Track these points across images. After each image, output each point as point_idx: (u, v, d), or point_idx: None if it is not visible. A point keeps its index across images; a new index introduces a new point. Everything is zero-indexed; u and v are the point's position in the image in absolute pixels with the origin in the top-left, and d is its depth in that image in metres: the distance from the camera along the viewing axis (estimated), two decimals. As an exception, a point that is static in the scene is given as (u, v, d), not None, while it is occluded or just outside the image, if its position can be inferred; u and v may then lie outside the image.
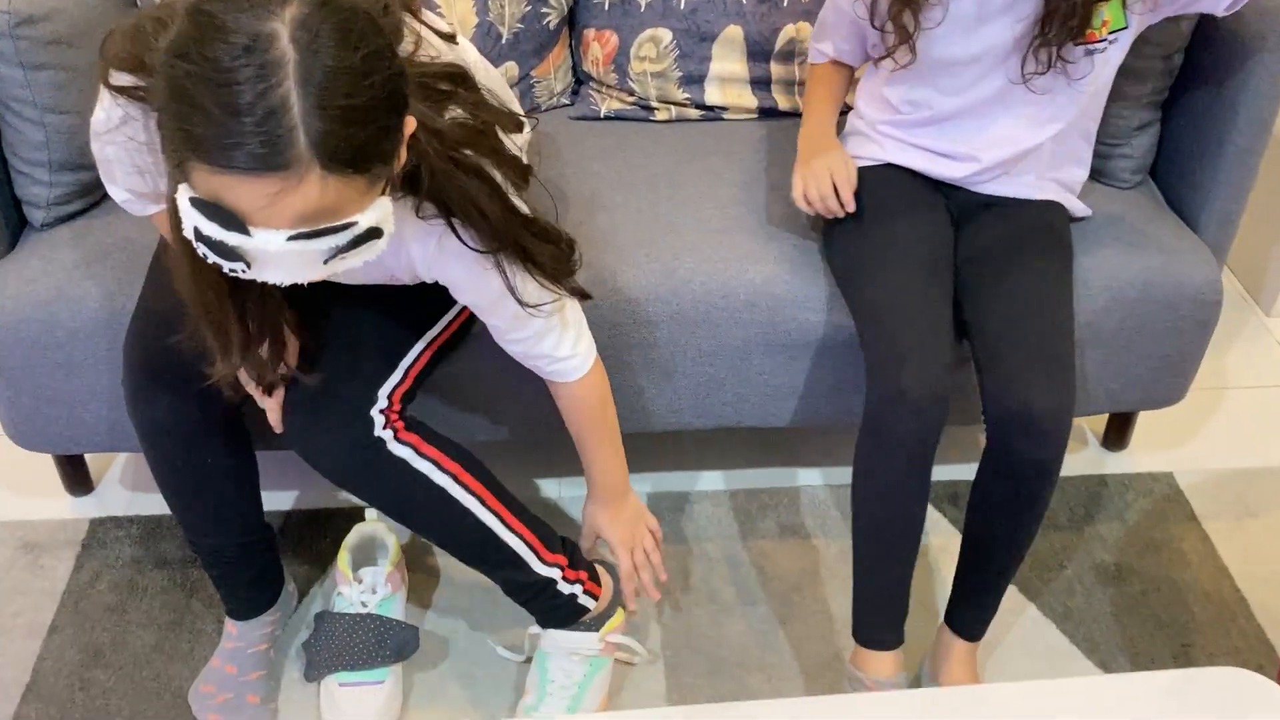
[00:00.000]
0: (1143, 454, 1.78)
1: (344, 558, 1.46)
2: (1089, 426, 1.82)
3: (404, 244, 1.09)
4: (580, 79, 1.74)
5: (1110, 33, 1.31)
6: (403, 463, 1.21)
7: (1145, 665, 1.48)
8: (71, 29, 1.37)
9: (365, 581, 1.43)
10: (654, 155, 1.62)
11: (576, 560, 1.36)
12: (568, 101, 1.74)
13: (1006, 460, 1.25)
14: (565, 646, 1.37)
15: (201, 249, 0.87)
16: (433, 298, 1.24)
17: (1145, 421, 1.77)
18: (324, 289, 1.22)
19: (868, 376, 1.28)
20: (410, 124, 0.90)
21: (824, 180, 1.37)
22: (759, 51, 1.66)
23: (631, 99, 1.70)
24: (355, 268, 0.92)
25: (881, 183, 1.43)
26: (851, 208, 1.37)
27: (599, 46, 1.67)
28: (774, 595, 1.55)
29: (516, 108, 1.32)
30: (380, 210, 0.89)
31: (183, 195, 0.85)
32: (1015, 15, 1.29)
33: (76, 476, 1.65)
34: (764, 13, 1.64)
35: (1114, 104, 1.47)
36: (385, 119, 0.86)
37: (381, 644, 1.40)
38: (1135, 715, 0.95)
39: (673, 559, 1.59)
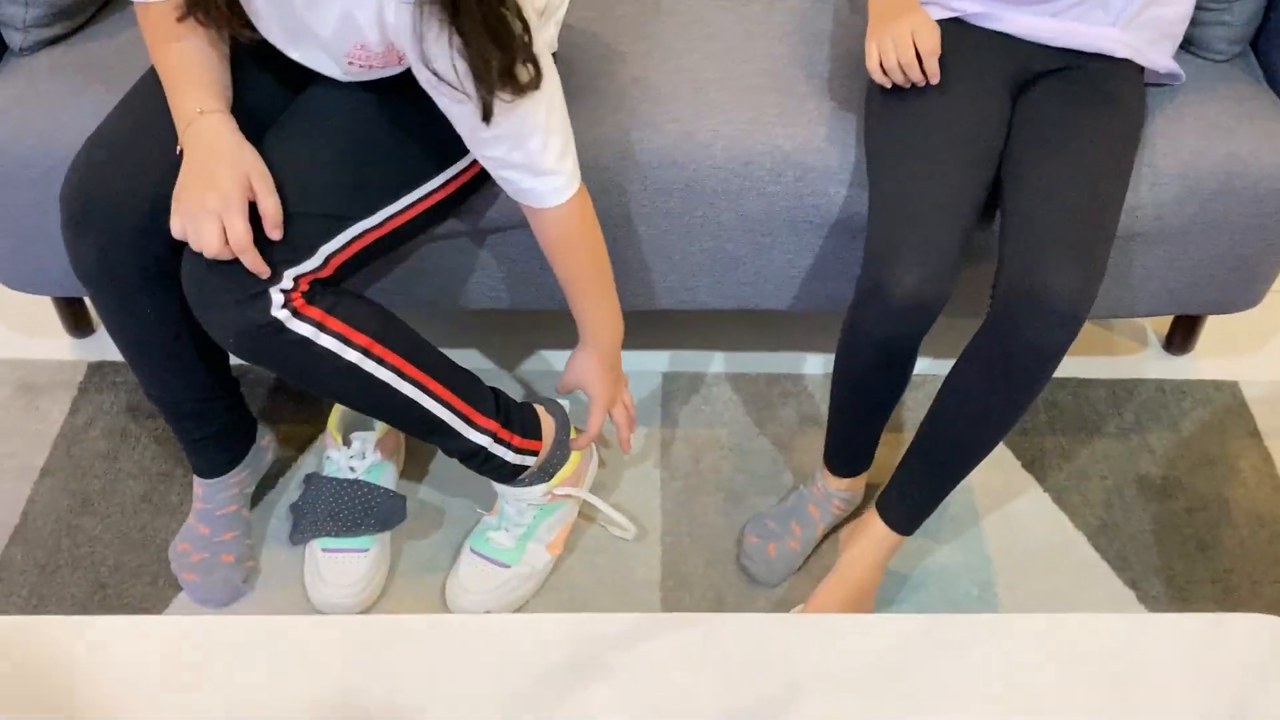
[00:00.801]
0: (1207, 360, 1.63)
1: (334, 420, 1.40)
2: (1151, 327, 1.67)
3: None
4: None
5: None
6: (304, 340, 1.10)
7: (1179, 589, 1.37)
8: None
9: (355, 446, 1.37)
10: (680, 9, 1.46)
11: (510, 418, 1.28)
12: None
13: (1004, 340, 1.13)
14: (514, 497, 1.34)
15: None
16: (411, 158, 1.14)
17: (1213, 325, 1.62)
18: (299, 120, 1.14)
19: (861, 266, 1.17)
20: None
21: (906, 46, 1.20)
22: (812, -116, 1.47)
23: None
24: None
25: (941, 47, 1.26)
26: (936, 78, 1.22)
27: (633, -127, 1.49)
28: (787, 487, 1.46)
29: None
30: None
31: None
32: None
33: (76, 318, 1.60)
34: None
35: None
36: None
37: (367, 512, 1.35)
38: (1150, 660, 0.85)
39: (684, 443, 1.50)
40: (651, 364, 1.60)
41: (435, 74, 1.00)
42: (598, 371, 1.29)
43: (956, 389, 1.19)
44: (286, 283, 1.08)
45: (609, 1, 1.45)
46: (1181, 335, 1.61)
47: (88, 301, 1.61)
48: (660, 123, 1.30)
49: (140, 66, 1.22)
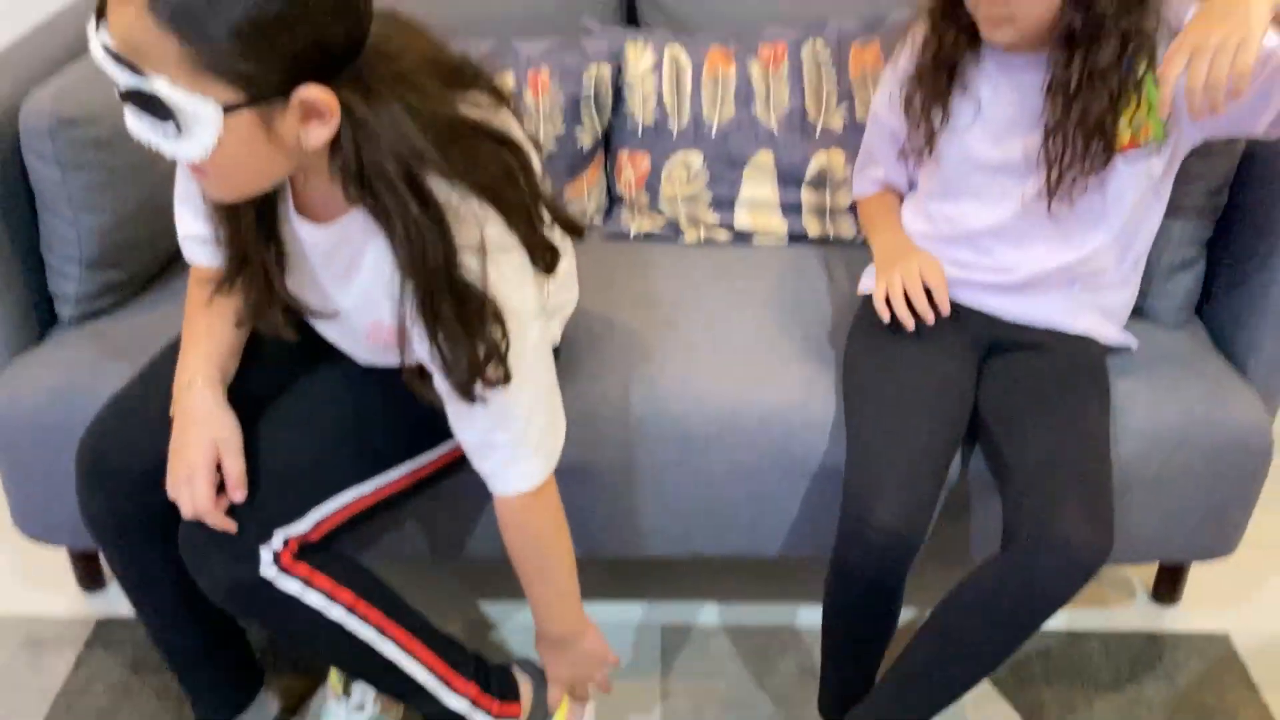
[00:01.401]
0: (1197, 611, 1.66)
1: (335, 670, 1.41)
2: (1138, 577, 1.71)
3: (364, 249, 1.06)
4: (613, 200, 1.76)
5: (1147, 142, 1.28)
6: (290, 599, 1.14)
7: (1192, 847, 1.34)
8: (112, 132, 1.42)
9: (354, 697, 1.38)
10: (679, 275, 1.61)
11: (489, 682, 1.30)
12: (600, 222, 1.75)
13: (1013, 583, 1.17)
14: None
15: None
16: (408, 430, 1.22)
17: (1199, 576, 1.66)
18: (305, 382, 1.23)
19: (841, 506, 1.25)
20: (322, 103, 0.90)
21: (915, 281, 1.33)
22: (790, 178, 1.66)
23: (662, 220, 1.70)
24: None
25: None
26: (946, 310, 1.34)
27: (632, 169, 1.68)
28: (787, 741, 1.45)
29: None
30: (194, 106, 0.87)
31: None
32: (1038, 124, 1.29)
33: (88, 570, 1.64)
34: (795, 140, 1.64)
35: (1157, 240, 1.42)
36: (246, 28, 0.84)
37: (365, 765, 1.34)
38: None
39: (684, 696, 1.50)
40: (650, 616, 1.63)
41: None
42: (551, 655, 1.31)
43: (946, 625, 1.22)
44: (276, 543, 1.14)
45: (609, 279, 1.60)
46: (1168, 585, 1.65)
47: (101, 557, 1.66)
48: (657, 379, 1.41)
49: (175, 337, 1.34)
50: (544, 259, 1.08)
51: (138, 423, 1.20)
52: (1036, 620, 1.18)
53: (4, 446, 1.44)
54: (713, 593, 1.66)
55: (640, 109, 1.65)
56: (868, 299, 1.46)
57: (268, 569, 1.13)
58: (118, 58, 0.87)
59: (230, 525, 1.12)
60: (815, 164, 1.65)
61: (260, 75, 0.87)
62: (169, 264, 1.60)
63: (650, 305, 1.54)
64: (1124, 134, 1.27)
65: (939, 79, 1.33)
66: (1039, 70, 1.27)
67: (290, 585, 1.14)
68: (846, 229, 1.67)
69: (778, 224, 1.68)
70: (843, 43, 1.65)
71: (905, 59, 1.39)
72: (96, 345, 1.46)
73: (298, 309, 1.15)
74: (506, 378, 1.05)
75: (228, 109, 0.88)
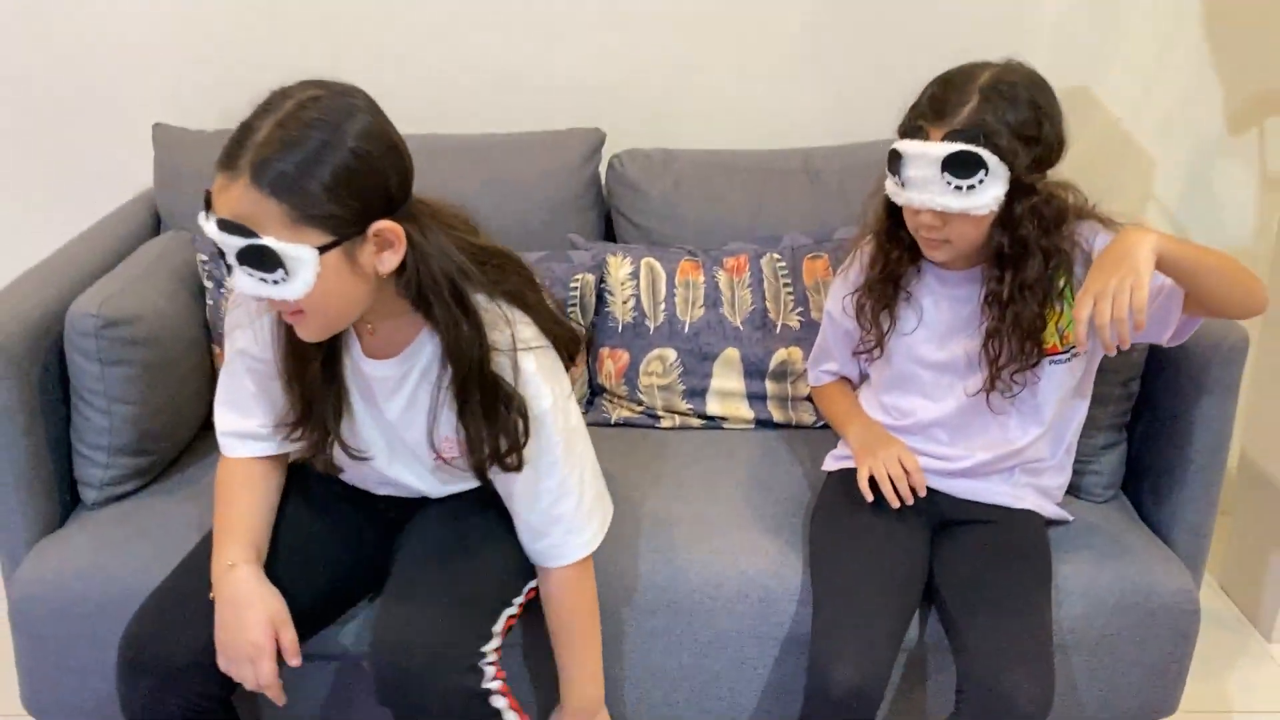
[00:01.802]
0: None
1: None
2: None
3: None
4: (595, 391, 1.92)
5: (1069, 346, 1.47)
6: (498, 712, 1.28)
7: None
8: (150, 332, 1.58)
9: None
10: (658, 458, 1.76)
11: None
12: (583, 410, 1.91)
13: None
14: None
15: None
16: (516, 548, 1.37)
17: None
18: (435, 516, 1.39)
19: (807, 671, 1.37)
20: (391, 232, 1.14)
21: (896, 466, 1.48)
22: (754, 370, 1.84)
23: (640, 408, 1.87)
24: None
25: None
26: (923, 493, 1.48)
27: (612, 363, 1.86)
28: None
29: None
30: (297, 252, 1.09)
31: None
32: (977, 330, 1.48)
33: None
34: (759, 338, 1.84)
35: (1085, 425, 1.59)
36: (330, 181, 1.09)
37: None
38: None
39: None
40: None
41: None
42: None
43: None
44: (490, 656, 1.28)
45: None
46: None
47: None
48: (644, 552, 1.54)
49: (192, 520, 1.46)
50: (568, 348, 1.33)
51: (181, 616, 1.29)
52: None
53: (23, 626, 1.50)
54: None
55: (620, 310, 1.84)
56: (830, 476, 1.62)
57: (490, 681, 1.27)
58: (232, 226, 1.09)
59: (283, 698, 1.24)
60: (777, 358, 1.84)
61: (343, 217, 1.11)
62: (187, 451, 1.73)
63: (632, 485, 1.68)
64: (1051, 338, 1.47)
65: (886, 290, 1.53)
66: (973, 283, 1.48)
67: (499, 701, 1.28)
68: (807, 415, 1.85)
69: (745, 411, 1.86)
70: (796, 255, 1.87)
71: (855, 271, 1.59)
72: (119, 528, 1.55)
73: (351, 454, 1.34)
74: (519, 466, 1.26)
75: (321, 249, 1.11)
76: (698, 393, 1.85)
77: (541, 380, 1.25)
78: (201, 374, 1.74)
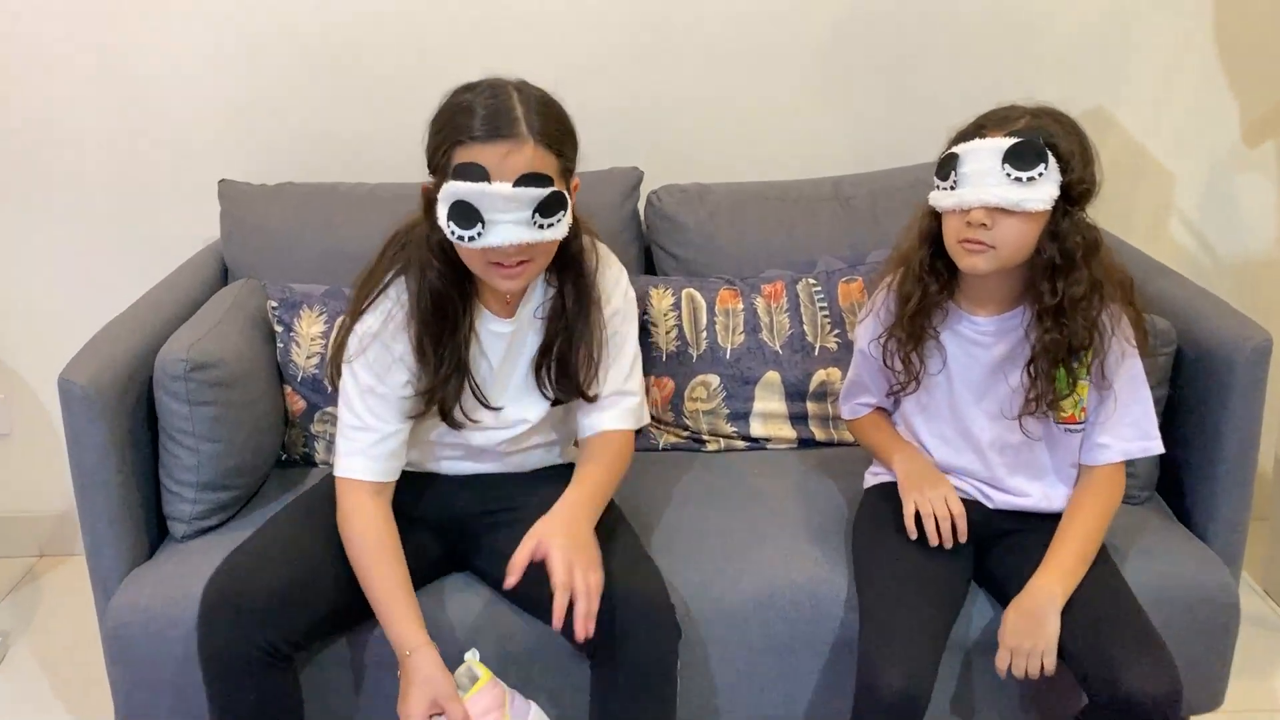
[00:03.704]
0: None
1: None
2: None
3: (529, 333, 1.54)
4: (642, 418, 2.02)
5: (1083, 422, 1.54)
6: None
7: None
8: (231, 374, 1.69)
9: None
10: (706, 479, 1.84)
11: None
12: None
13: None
14: None
15: (451, 227, 1.34)
16: None
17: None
18: None
19: (856, 671, 1.43)
20: (576, 183, 1.43)
21: (943, 508, 1.51)
22: (795, 392, 1.93)
23: (686, 433, 1.95)
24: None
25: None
26: (964, 538, 1.52)
27: (658, 390, 1.95)
28: None
29: None
30: (565, 196, 1.37)
31: (444, 189, 1.34)
32: (1012, 367, 1.54)
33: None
34: (798, 360, 1.93)
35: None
36: (569, 140, 1.39)
37: None
38: None
39: None
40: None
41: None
42: (565, 527, 1.38)
43: None
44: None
45: (644, 486, 1.82)
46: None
47: None
48: (698, 561, 1.62)
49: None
50: None
51: (260, 562, 1.45)
52: None
53: (117, 653, 1.60)
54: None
55: (664, 340, 1.94)
56: (869, 491, 1.69)
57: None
58: (534, 178, 1.32)
59: None
60: (816, 379, 1.93)
61: (570, 167, 1.41)
62: (265, 486, 1.83)
63: (682, 504, 1.77)
64: (1072, 408, 1.53)
65: (917, 327, 1.53)
66: (1007, 328, 1.52)
67: None
68: (848, 433, 1.91)
69: (788, 431, 1.94)
70: (831, 279, 1.96)
71: (884, 308, 1.59)
72: (205, 560, 1.62)
73: (482, 401, 1.52)
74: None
75: (570, 192, 1.40)
76: (741, 415, 1.93)
77: (624, 283, 1.59)
78: (276, 413, 1.84)
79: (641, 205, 2.11)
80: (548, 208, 1.34)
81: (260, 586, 1.41)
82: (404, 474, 1.54)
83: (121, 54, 2.14)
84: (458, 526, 1.60)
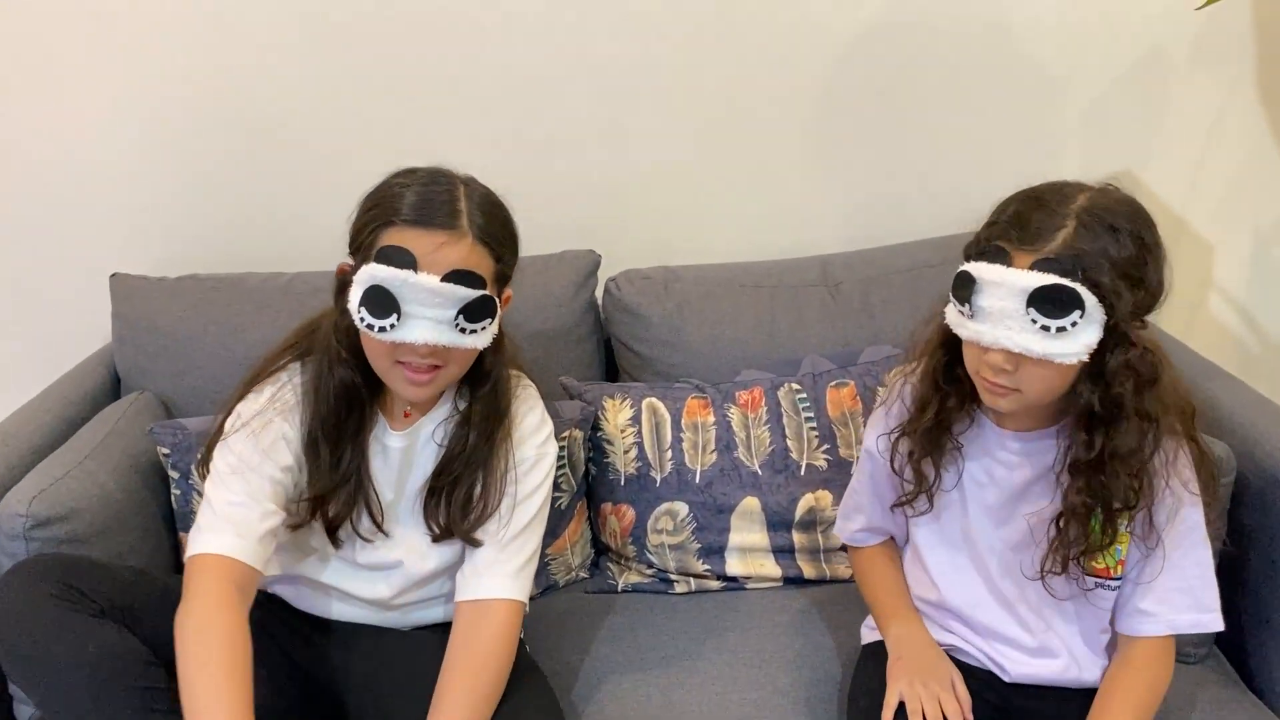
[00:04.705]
0: None
1: None
2: None
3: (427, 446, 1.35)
4: (599, 551, 1.72)
5: (1119, 576, 1.26)
6: None
7: None
8: (89, 527, 1.40)
9: None
10: (669, 633, 1.55)
11: None
12: (585, 575, 1.70)
13: None
14: None
15: (362, 314, 1.19)
16: None
17: None
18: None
19: None
20: (508, 296, 1.30)
21: (933, 709, 1.24)
22: (779, 521, 1.63)
23: (650, 571, 1.66)
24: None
25: None
26: None
27: (616, 520, 1.66)
28: None
29: None
30: (497, 313, 1.25)
31: (362, 271, 1.19)
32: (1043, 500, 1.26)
33: None
34: (781, 483, 1.63)
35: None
36: (510, 245, 1.27)
37: None
38: None
39: None
40: None
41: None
42: None
43: None
44: None
45: (595, 642, 1.54)
46: None
47: None
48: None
49: None
50: None
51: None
52: None
53: None
54: None
55: (622, 461, 1.64)
56: (868, 650, 1.40)
57: None
58: (466, 276, 1.19)
59: None
60: (803, 505, 1.63)
61: (506, 275, 1.28)
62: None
63: (644, 667, 1.47)
64: (1108, 559, 1.25)
65: (935, 437, 1.29)
66: (1044, 448, 1.25)
67: None
68: (842, 568, 1.62)
69: (771, 568, 1.64)
70: (818, 384, 1.67)
71: (899, 401, 1.35)
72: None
73: (375, 519, 1.34)
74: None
75: (501, 302, 1.27)
76: (715, 550, 1.63)
77: (545, 431, 1.38)
78: (160, 568, 1.55)
79: (600, 293, 1.83)
80: (474, 312, 1.21)
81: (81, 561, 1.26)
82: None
83: (4, 129, 1.87)
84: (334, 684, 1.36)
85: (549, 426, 1.38)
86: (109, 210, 1.92)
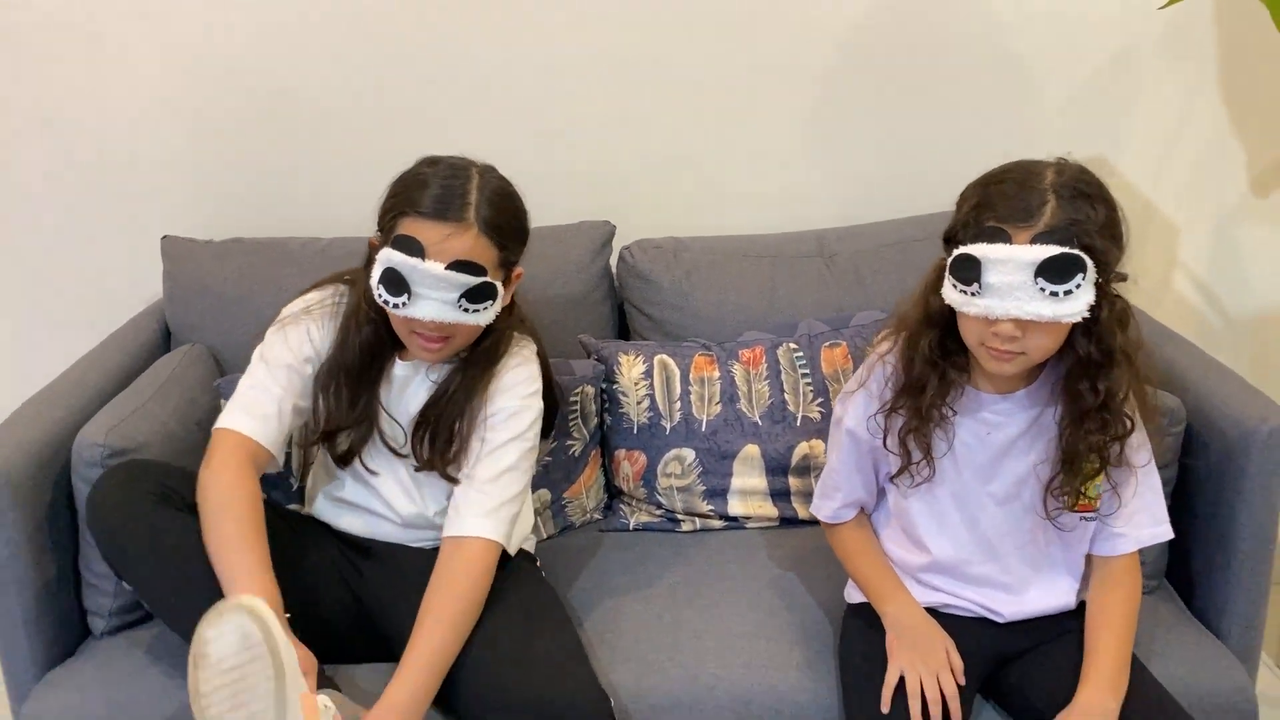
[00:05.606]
0: None
1: None
2: None
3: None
4: (612, 494, 1.88)
5: (1097, 510, 1.41)
6: None
7: None
8: (159, 458, 1.55)
9: None
10: (676, 565, 1.70)
11: None
12: (600, 516, 1.86)
13: None
14: None
15: (380, 290, 1.37)
16: None
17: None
18: None
19: None
20: (518, 273, 1.47)
21: (932, 688, 1.35)
22: (776, 466, 1.79)
23: (660, 512, 1.82)
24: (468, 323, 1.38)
25: None
26: (956, 719, 1.36)
27: (629, 465, 1.81)
28: None
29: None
30: (498, 287, 1.39)
31: (382, 253, 1.36)
32: (1020, 456, 1.40)
33: None
34: (779, 432, 1.79)
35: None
36: (516, 235, 1.42)
37: None
38: None
39: None
40: None
41: None
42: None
43: None
44: None
45: (608, 574, 1.69)
46: None
47: None
48: (667, 668, 1.48)
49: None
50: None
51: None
52: None
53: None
54: None
55: (635, 411, 1.80)
56: (856, 610, 1.51)
57: None
58: (468, 266, 1.35)
59: None
60: (799, 452, 1.79)
61: (512, 260, 1.44)
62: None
63: (653, 597, 1.63)
64: (1084, 500, 1.40)
65: (934, 410, 1.38)
66: (1029, 404, 1.38)
67: None
68: (832, 512, 1.79)
69: (769, 509, 1.80)
70: (814, 344, 1.83)
71: (876, 382, 1.43)
72: (126, 659, 1.51)
73: (389, 445, 1.50)
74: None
75: (503, 284, 1.41)
76: (718, 493, 1.80)
77: (531, 387, 1.51)
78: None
79: (614, 261, 1.99)
80: (475, 295, 1.37)
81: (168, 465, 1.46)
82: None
83: (59, 100, 2.01)
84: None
85: (536, 384, 1.52)
86: (160, 177, 2.06)
